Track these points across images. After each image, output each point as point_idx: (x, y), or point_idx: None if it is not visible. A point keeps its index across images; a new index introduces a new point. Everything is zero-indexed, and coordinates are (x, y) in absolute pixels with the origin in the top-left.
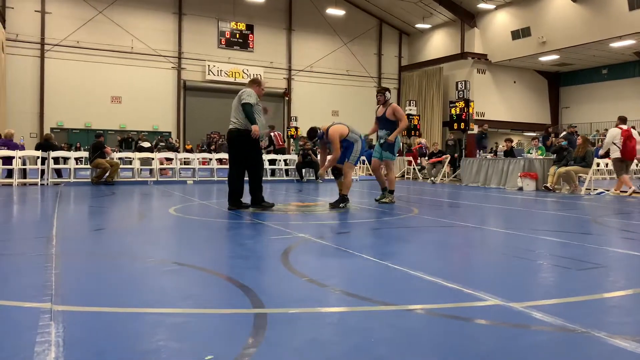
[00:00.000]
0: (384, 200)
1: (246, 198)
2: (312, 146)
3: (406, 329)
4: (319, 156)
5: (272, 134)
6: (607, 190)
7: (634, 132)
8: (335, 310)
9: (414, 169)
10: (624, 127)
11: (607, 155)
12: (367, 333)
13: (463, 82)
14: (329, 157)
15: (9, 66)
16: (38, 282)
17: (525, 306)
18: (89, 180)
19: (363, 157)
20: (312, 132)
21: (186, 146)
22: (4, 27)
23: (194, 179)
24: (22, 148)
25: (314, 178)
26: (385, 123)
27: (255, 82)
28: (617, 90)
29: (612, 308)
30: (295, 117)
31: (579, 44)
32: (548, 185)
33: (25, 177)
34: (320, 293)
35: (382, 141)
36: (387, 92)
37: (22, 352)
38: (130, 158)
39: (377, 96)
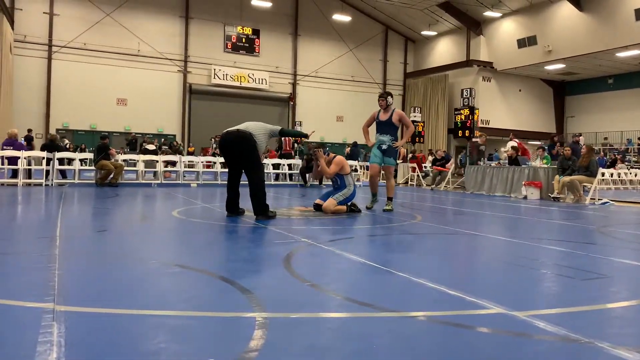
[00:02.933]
0: (368, 206)
1: (245, 203)
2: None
3: (407, 336)
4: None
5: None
6: (612, 201)
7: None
8: (336, 316)
9: (417, 175)
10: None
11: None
12: (368, 339)
13: (468, 90)
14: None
15: (17, 67)
16: (41, 281)
17: (528, 315)
18: (94, 181)
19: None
20: (322, 146)
21: (189, 149)
22: (13, 28)
23: (198, 182)
24: (25, 148)
25: (318, 183)
26: (389, 128)
27: None
28: (622, 100)
29: (615, 319)
30: (300, 122)
31: (585, 53)
32: (556, 194)
33: (30, 178)
34: (321, 298)
35: (384, 147)
36: (390, 97)
37: (24, 352)
38: (134, 160)
39: (380, 100)
